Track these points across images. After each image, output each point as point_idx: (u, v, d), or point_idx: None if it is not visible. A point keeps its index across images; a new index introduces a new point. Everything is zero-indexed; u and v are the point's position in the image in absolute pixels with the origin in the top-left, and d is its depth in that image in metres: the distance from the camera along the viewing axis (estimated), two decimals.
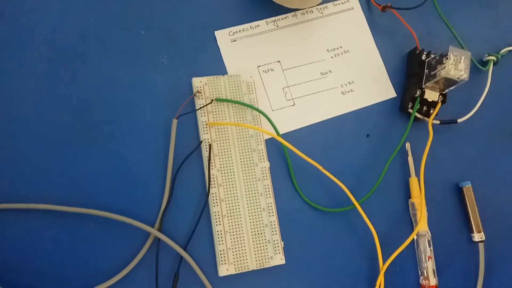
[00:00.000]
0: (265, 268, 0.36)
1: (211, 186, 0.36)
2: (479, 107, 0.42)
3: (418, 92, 0.40)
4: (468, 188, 0.41)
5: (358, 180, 0.39)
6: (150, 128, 0.37)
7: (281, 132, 0.39)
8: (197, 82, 0.38)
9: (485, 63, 0.44)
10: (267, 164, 0.38)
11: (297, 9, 0.42)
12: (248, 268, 0.35)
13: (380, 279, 0.37)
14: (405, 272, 0.39)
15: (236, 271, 0.35)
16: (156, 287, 0.34)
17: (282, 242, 0.36)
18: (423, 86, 0.40)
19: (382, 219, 0.39)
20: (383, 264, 0.37)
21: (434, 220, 0.40)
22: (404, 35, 0.43)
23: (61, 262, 0.34)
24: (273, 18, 0.42)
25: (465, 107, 0.42)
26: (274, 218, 0.37)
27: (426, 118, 0.41)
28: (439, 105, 0.41)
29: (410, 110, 0.41)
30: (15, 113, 0.35)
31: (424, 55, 0.41)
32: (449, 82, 0.38)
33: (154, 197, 0.36)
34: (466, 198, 0.41)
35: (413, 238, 0.39)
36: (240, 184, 0.37)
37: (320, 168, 0.37)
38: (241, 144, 0.37)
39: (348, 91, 0.42)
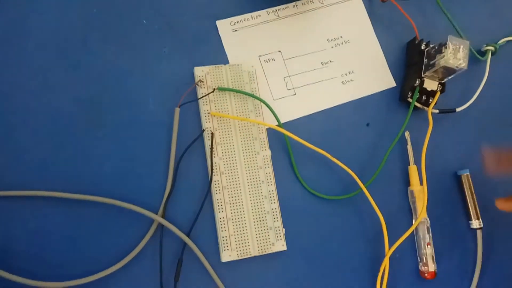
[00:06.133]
0: (267, 254, 0.36)
1: (213, 173, 0.36)
2: (477, 96, 0.42)
3: (417, 82, 0.41)
4: (466, 176, 0.41)
5: (359, 169, 0.40)
6: (152, 116, 0.37)
7: (282, 121, 0.39)
8: (199, 71, 0.38)
9: (483, 53, 0.45)
10: (268, 152, 0.38)
11: None
12: (250, 254, 0.36)
13: (385, 263, 0.37)
14: (405, 258, 0.39)
15: (238, 257, 0.35)
16: (160, 273, 0.34)
17: (284, 229, 0.37)
18: (422, 76, 0.40)
19: (381, 206, 0.39)
20: (389, 248, 0.37)
21: (433, 207, 0.40)
22: (403, 25, 0.43)
23: (65, 248, 0.34)
24: (274, 8, 0.42)
25: (463, 96, 0.43)
26: (276, 205, 0.37)
27: (425, 107, 0.41)
28: (438, 94, 0.41)
29: (410, 100, 0.41)
30: (19, 102, 0.36)
31: (424, 45, 0.41)
32: (448, 71, 0.39)
33: (157, 185, 0.36)
34: (464, 186, 0.41)
35: None
36: (242, 172, 0.37)
37: (328, 156, 0.38)
38: (243, 132, 0.38)
39: (348, 81, 0.42)
